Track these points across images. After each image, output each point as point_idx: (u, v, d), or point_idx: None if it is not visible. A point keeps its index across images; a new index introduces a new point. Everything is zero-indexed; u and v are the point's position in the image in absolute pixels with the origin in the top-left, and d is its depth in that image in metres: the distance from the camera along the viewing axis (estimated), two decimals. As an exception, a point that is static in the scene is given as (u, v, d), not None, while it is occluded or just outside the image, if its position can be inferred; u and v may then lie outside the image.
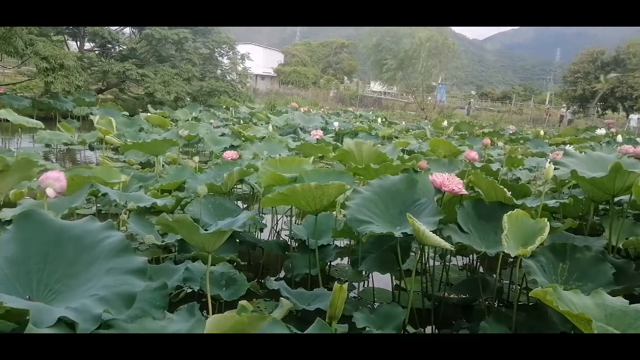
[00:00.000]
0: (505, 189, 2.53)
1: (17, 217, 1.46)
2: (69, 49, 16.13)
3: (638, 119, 21.78)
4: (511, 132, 11.63)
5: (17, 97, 11.40)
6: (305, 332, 1.29)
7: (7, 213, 3.16)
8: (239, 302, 1.47)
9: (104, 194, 3.11)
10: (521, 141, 9.18)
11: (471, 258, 3.85)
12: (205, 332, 0.97)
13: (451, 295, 3.14)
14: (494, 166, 3.98)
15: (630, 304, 1.67)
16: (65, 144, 8.18)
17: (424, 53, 26.72)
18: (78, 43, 17.43)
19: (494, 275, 2.65)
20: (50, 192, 2.21)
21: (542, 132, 11.13)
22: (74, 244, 1.43)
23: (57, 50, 12.36)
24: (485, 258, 3.55)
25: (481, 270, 3.68)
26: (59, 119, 10.73)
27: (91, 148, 8.03)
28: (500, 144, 8.57)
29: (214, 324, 0.98)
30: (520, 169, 5.37)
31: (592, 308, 1.65)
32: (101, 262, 1.37)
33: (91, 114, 9.53)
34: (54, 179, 2.23)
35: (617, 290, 2.09)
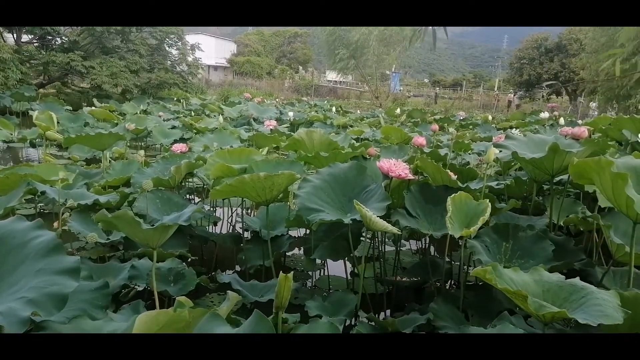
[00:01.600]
0: (450, 172, 2.59)
1: None
2: (5, 42, 15.17)
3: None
4: (461, 118, 11.95)
5: (-53, 94, 10.65)
6: (237, 332, 1.26)
7: None
8: (177, 298, 1.42)
9: (43, 193, 2.96)
10: (470, 126, 9.45)
11: (424, 242, 3.94)
12: (134, 331, 0.93)
13: (403, 279, 3.20)
14: (443, 151, 4.07)
15: (566, 279, 1.75)
16: (5, 142, 7.72)
17: (374, 42, 26.93)
18: (15, 35, 16.41)
19: (444, 257, 2.72)
20: (-22, 192, 2.08)
21: (490, 117, 11.52)
22: (0, 245, 1.34)
23: (-10, 42, 11.61)
24: (436, 241, 3.65)
25: (433, 253, 3.78)
26: (-4, 116, 10.10)
27: (33, 145, 7.61)
28: (452, 129, 8.79)
29: (146, 321, 0.94)
30: (469, 154, 5.53)
31: (531, 284, 1.72)
32: (30, 262, 1.29)
33: (31, 109, 9.01)
34: (-17, 178, 2.10)
35: (557, 266, 2.19)
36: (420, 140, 3.57)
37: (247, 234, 3.69)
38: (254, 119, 9.54)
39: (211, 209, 4.49)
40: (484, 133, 8.19)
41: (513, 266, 1.86)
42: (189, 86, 19.46)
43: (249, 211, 4.48)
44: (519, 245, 2.33)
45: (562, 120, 7.42)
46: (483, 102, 33.40)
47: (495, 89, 40.77)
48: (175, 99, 16.11)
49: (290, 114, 10.67)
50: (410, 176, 2.44)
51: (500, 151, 2.76)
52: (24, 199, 4.22)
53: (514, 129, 8.06)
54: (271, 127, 6.86)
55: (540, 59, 33.23)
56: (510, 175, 3.82)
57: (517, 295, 1.50)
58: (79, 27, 17.27)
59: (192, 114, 10.63)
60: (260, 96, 18.79)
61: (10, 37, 16.71)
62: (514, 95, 31.46)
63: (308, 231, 3.57)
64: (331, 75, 43.16)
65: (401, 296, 3.01)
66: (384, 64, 29.47)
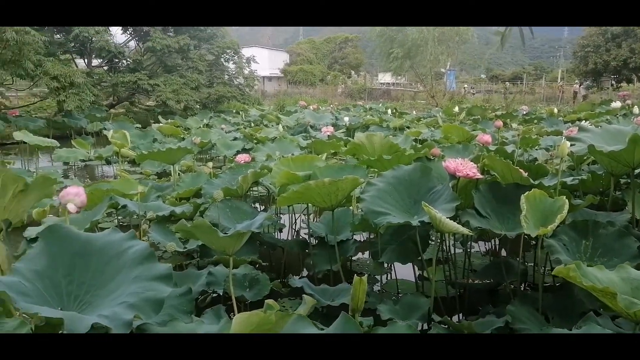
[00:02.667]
0: (521, 170, 2.51)
1: (43, 232, 1.51)
2: (77, 67, 16.39)
3: None
4: (524, 112, 11.47)
5: (31, 119, 11.62)
6: (327, 332, 1.30)
7: (32, 231, 3.25)
8: (265, 301, 1.49)
9: (124, 206, 3.17)
10: (535, 121, 9.06)
11: (493, 243, 3.82)
12: (231, 331, 0.99)
13: (475, 281, 3.13)
14: (509, 148, 3.94)
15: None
16: (82, 160, 8.33)
17: (431, 40, 26.46)
18: (85, 60, 17.68)
19: (517, 258, 2.63)
20: (71, 207, 2.26)
21: (556, 110, 10.96)
22: (99, 255, 1.46)
23: (65, 68, 12.56)
24: (507, 241, 3.53)
25: (504, 254, 3.66)
26: (74, 136, 10.92)
27: (108, 162, 8.16)
28: (514, 125, 8.47)
29: (241, 322, 1.00)
30: (536, 149, 5.31)
31: (617, 282, 1.63)
32: (127, 270, 1.40)
33: (104, 128, 9.68)
34: (74, 194, 2.28)
35: (644, 264, 2.06)
36: (486, 137, 3.48)
37: (312, 240, 3.76)
38: (311, 126, 9.68)
39: (276, 216, 4.61)
40: (550, 127, 7.82)
41: (596, 264, 1.77)
42: (246, 98, 20.05)
43: (312, 217, 4.55)
44: (600, 243, 2.22)
45: (636, 109, 6.94)
46: (546, 95, 31.80)
47: (559, 80, 38.72)
48: (234, 111, 16.66)
49: (346, 119, 10.72)
50: (479, 175, 2.39)
51: (573, 144, 2.64)
52: (105, 213, 4.53)
53: (583, 121, 7.63)
54: (329, 133, 6.94)
55: (606, 45, 31.16)
56: (583, 169, 3.63)
57: (605, 293, 1.43)
58: (143, 49, 18.33)
59: (252, 124, 10.94)
60: (315, 103, 19.01)
61: (81, 62, 18.04)
62: (580, 85, 29.62)
63: (372, 235, 3.57)
64: (384, 78, 42.84)
65: (474, 299, 2.94)
66: (440, 62, 28.86)
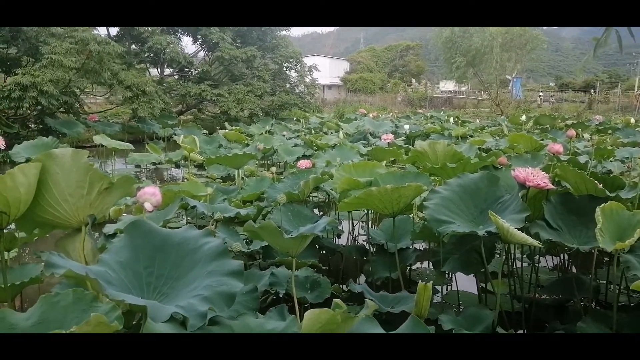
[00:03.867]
0: (596, 181, 2.39)
1: (127, 226, 1.63)
2: (150, 76, 17.42)
3: None
4: (597, 122, 10.82)
5: (108, 124, 12.48)
6: (396, 332, 1.32)
7: (110, 228, 3.50)
8: (333, 300, 1.52)
9: (193, 207, 3.33)
10: (609, 131, 8.52)
11: (562, 258, 3.64)
12: (302, 327, 1.03)
13: (542, 297, 2.99)
14: (582, 159, 3.75)
15: None
16: (153, 164, 8.84)
17: (497, 48, 25.68)
18: (158, 69, 18.76)
19: (589, 274, 2.50)
20: (147, 206, 2.42)
21: (632, 120, 10.25)
22: (177, 249, 1.57)
23: (138, 78, 13.41)
24: (578, 257, 3.35)
25: (573, 270, 3.47)
26: (146, 141, 11.59)
27: (177, 166, 8.59)
28: (586, 135, 8.01)
29: (311, 318, 1.04)
30: (610, 161, 5.00)
31: None
32: (202, 265, 1.49)
33: (174, 134, 10.21)
34: (151, 194, 2.44)
35: None
36: (557, 147, 3.34)
37: (370, 247, 3.76)
38: (371, 134, 9.68)
39: (337, 220, 4.65)
40: (626, 138, 7.34)
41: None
42: (307, 106, 20.43)
43: (371, 224, 4.55)
44: (685, 261, 2.06)
45: None
46: (621, 104, 29.79)
47: (636, 88, 36.13)
48: (294, 118, 17.00)
49: (406, 126, 10.62)
50: (550, 186, 2.30)
51: (656, 156, 2.48)
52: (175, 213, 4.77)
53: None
54: (389, 141, 6.90)
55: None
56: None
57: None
58: (211, 59, 19.17)
59: (312, 132, 11.11)
60: (374, 111, 18.97)
61: (154, 71, 19.16)
62: (660, 94, 27.52)
63: (433, 244, 3.52)
64: (445, 85, 41.99)
65: (540, 315, 2.82)
66: (505, 69, 27.92)
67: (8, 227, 2.03)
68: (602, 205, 2.01)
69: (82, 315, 1.11)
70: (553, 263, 3.86)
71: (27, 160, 5.70)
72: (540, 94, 35.77)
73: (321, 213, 5.35)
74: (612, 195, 2.36)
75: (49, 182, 1.98)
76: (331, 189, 3.79)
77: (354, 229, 4.64)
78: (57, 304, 1.16)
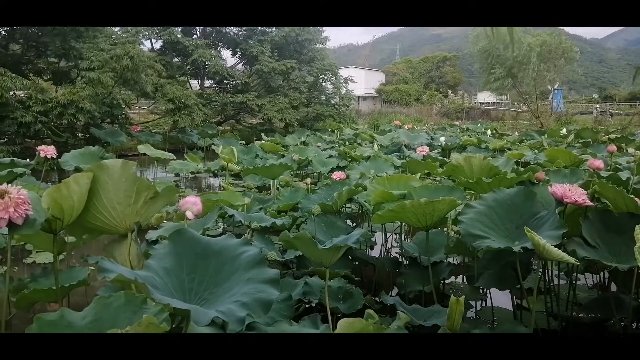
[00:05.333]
0: (636, 199, 2.33)
1: (171, 234, 1.73)
2: (191, 88, 18.00)
3: None
4: (644, 136, 10.41)
5: (151, 134, 12.96)
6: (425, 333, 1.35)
7: (153, 234, 3.65)
8: (366, 310, 1.56)
9: (231, 216, 3.44)
10: (655, 146, 8.19)
11: (601, 276, 3.53)
12: (336, 332, 1.08)
13: (580, 315, 2.92)
14: (623, 175, 3.64)
15: None
16: (192, 173, 9.10)
17: (534, 58, 25.13)
18: (199, 81, 19.36)
19: (629, 294, 2.43)
20: (189, 214, 2.54)
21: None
22: (217, 257, 1.65)
23: (180, 91, 13.91)
24: (618, 275, 3.25)
25: (614, 289, 3.37)
26: (186, 151, 11.96)
27: (215, 175, 8.82)
28: (631, 150, 7.73)
29: (345, 326, 1.09)
30: (657, 177, 4.81)
31: None
32: (241, 272, 1.56)
33: (213, 144, 10.51)
34: (192, 203, 2.56)
35: None
36: (597, 163, 3.27)
37: (403, 259, 3.76)
38: (405, 146, 9.65)
39: (370, 232, 4.67)
40: (674, 153, 7.02)
41: None
42: (341, 117, 20.56)
43: (404, 237, 4.54)
44: None
45: None
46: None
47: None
48: (329, 130, 17.13)
49: (442, 138, 10.53)
50: (588, 202, 2.26)
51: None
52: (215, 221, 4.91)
53: None
54: (424, 153, 6.87)
55: None
56: None
57: None
58: (250, 71, 19.63)
59: (346, 143, 11.17)
60: (410, 123, 18.87)
61: (195, 83, 19.79)
62: None
63: (467, 259, 3.49)
64: (483, 97, 41.30)
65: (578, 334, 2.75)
66: (544, 80, 27.22)
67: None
68: (642, 223, 1.96)
69: (132, 316, 1.20)
70: (593, 281, 3.74)
71: (76, 168, 6.01)
72: (597, 106, 34.27)
73: (354, 224, 5.39)
74: (654, 213, 2.30)
75: (99, 190, 2.12)
76: (365, 201, 3.83)
77: (387, 241, 4.65)
78: (110, 305, 1.26)
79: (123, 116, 13.61)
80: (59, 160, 6.49)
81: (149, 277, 1.51)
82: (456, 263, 3.92)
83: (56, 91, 12.55)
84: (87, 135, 12.18)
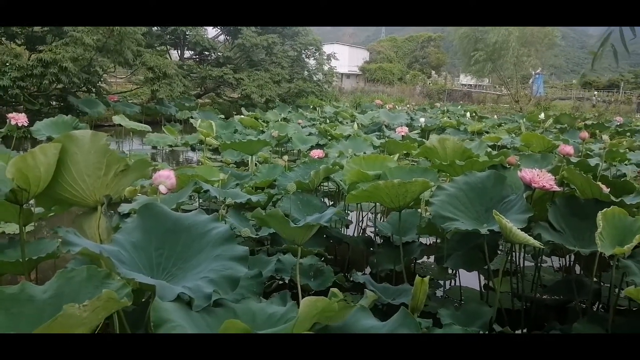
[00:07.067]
0: (602, 185, 2.40)
1: (140, 208, 1.72)
2: (170, 58, 17.59)
3: None
4: (618, 123, 10.64)
5: (128, 104, 12.67)
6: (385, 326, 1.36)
7: (125, 207, 3.60)
8: (330, 289, 1.59)
9: (206, 191, 3.42)
10: (628, 133, 8.40)
11: (567, 259, 3.66)
12: (299, 313, 1.09)
13: (544, 297, 3.03)
14: (593, 161, 3.74)
15: None
16: (170, 146, 8.96)
17: (513, 42, 25.24)
18: (179, 52, 18.90)
19: (592, 277, 2.52)
20: (162, 188, 2.51)
21: (654, 123, 10.05)
22: (186, 233, 1.65)
23: (160, 60, 13.56)
24: (583, 259, 3.37)
25: (579, 272, 3.49)
26: (164, 123, 11.74)
27: (192, 149, 8.71)
28: (605, 137, 7.91)
29: (308, 305, 1.11)
30: (625, 164, 4.96)
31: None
32: (209, 249, 1.57)
33: (192, 117, 10.32)
34: (166, 177, 2.52)
35: None
36: (567, 149, 3.33)
37: (377, 238, 3.82)
38: (386, 126, 9.67)
39: (344, 212, 4.71)
40: (646, 141, 7.23)
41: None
42: (324, 94, 20.43)
43: (379, 216, 4.60)
44: (685, 269, 2.08)
45: None
46: (644, 106, 29.11)
47: (663, 89, 35.19)
48: (311, 106, 17.01)
49: (422, 120, 10.58)
50: (556, 188, 2.32)
51: (666, 163, 2.48)
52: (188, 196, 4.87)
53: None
54: (403, 134, 6.90)
55: None
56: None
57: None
58: (232, 43, 19.24)
59: (327, 121, 11.13)
60: (392, 102, 18.87)
61: (175, 53, 19.32)
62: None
63: (439, 239, 3.56)
64: (465, 79, 41.45)
65: (540, 314, 2.86)
66: (525, 65, 27.42)
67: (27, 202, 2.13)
68: (605, 209, 2.03)
69: (94, 291, 1.19)
70: (559, 264, 3.87)
71: (48, 138, 5.86)
72: (595, 92, 34.30)
73: (331, 203, 5.42)
74: (617, 200, 2.37)
75: (68, 162, 2.07)
76: (341, 180, 3.85)
77: (362, 220, 4.70)
78: (72, 279, 1.25)
79: (100, 84, 13.25)
80: (30, 128, 6.32)
81: (115, 252, 1.50)
82: (429, 244, 3.99)
83: (29, 57, 12.10)
84: (62, 104, 11.85)
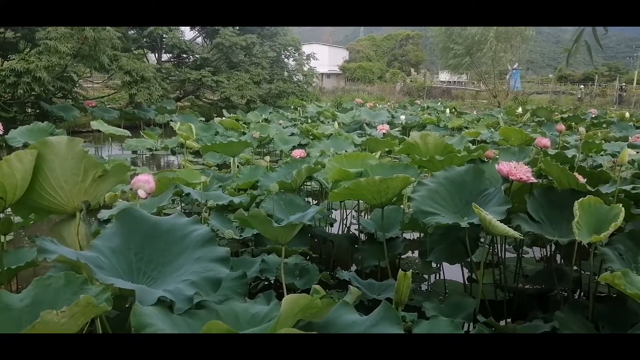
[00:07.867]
0: (578, 176, 2.45)
1: (118, 213, 1.69)
2: (148, 62, 17.35)
3: None
4: (593, 115, 10.88)
5: (106, 109, 12.46)
6: (368, 321, 1.37)
7: (105, 213, 3.55)
8: (312, 286, 1.59)
9: (187, 194, 3.39)
10: (604, 125, 8.59)
11: (549, 249, 3.72)
12: (281, 311, 1.09)
13: (526, 287, 3.08)
14: (570, 152, 3.81)
15: None
16: (150, 150, 8.86)
17: (491, 37, 25.60)
18: (156, 55, 18.67)
19: (572, 266, 2.58)
20: (141, 193, 2.47)
21: (627, 114, 10.30)
22: (166, 236, 1.63)
23: (137, 64, 13.36)
24: (563, 249, 3.43)
25: (560, 261, 3.56)
26: (143, 127, 11.59)
27: (173, 152, 8.62)
28: (581, 129, 8.09)
29: (290, 302, 1.10)
30: (602, 155, 5.07)
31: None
32: (190, 251, 1.55)
33: (171, 121, 10.22)
34: (144, 182, 2.49)
35: None
36: (544, 141, 3.40)
37: (362, 235, 3.83)
38: (367, 124, 9.72)
39: (327, 210, 4.71)
40: (619, 132, 7.41)
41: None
42: (304, 94, 20.41)
43: (363, 213, 4.62)
44: (660, 255, 2.13)
45: None
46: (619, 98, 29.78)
47: (635, 82, 36.07)
48: (292, 107, 16.99)
49: (402, 117, 10.65)
50: (533, 179, 2.36)
51: (638, 152, 2.54)
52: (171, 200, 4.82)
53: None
54: (384, 132, 6.95)
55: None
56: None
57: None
58: (210, 45, 19.07)
59: (309, 120, 11.13)
60: (372, 101, 18.95)
61: (152, 57, 19.07)
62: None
63: (422, 234, 3.59)
64: (444, 76, 41.85)
65: (523, 304, 2.90)
66: (502, 61, 27.83)
67: (5, 211, 2.08)
68: (581, 199, 2.07)
69: (73, 297, 1.17)
70: (541, 254, 3.94)
71: (24, 145, 5.74)
72: (582, 86, 34.51)
73: (315, 202, 5.42)
74: (593, 190, 2.42)
75: (45, 169, 2.03)
76: (323, 179, 3.85)
77: (346, 218, 4.71)
78: (49, 287, 1.22)
79: (77, 89, 12.99)
80: (5, 136, 6.18)
81: (93, 258, 1.48)
82: (412, 239, 4.02)
83: (2, 64, 11.81)
84: (37, 111, 11.60)
